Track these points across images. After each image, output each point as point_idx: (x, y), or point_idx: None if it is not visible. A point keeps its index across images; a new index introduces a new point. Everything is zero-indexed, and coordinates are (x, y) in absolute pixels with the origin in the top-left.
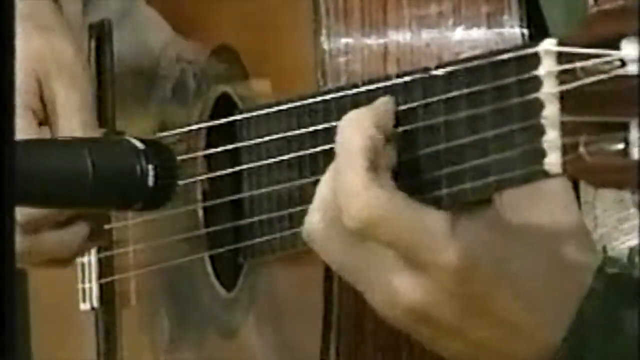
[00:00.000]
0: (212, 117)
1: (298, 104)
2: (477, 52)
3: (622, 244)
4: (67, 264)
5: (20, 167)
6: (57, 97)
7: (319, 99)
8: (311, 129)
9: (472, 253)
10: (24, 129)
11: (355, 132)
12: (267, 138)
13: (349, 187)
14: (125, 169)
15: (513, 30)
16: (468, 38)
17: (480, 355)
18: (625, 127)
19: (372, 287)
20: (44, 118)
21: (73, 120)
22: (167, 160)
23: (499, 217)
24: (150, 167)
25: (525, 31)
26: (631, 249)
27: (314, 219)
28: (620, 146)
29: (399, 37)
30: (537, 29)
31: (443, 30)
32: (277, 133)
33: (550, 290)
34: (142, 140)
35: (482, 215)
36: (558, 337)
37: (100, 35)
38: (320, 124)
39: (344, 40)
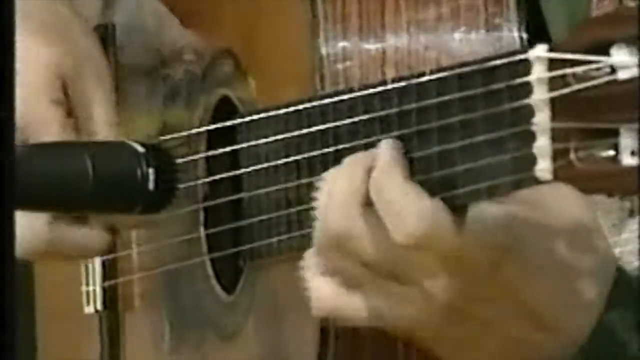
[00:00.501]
0: (213, 121)
1: (296, 108)
2: (475, 56)
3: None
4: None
5: (21, 170)
6: (84, 97)
7: (316, 103)
8: (309, 131)
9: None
10: (52, 121)
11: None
12: (265, 140)
13: (397, 203)
14: (126, 172)
15: (511, 35)
16: (466, 42)
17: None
18: (615, 134)
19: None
20: (69, 112)
21: (98, 123)
22: (168, 164)
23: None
24: (150, 170)
25: (524, 35)
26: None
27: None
28: (611, 152)
29: (397, 41)
30: (538, 33)
31: (441, 35)
32: (276, 136)
33: (574, 289)
34: (142, 144)
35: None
36: (584, 332)
37: (104, 38)
38: (318, 126)
39: (342, 45)
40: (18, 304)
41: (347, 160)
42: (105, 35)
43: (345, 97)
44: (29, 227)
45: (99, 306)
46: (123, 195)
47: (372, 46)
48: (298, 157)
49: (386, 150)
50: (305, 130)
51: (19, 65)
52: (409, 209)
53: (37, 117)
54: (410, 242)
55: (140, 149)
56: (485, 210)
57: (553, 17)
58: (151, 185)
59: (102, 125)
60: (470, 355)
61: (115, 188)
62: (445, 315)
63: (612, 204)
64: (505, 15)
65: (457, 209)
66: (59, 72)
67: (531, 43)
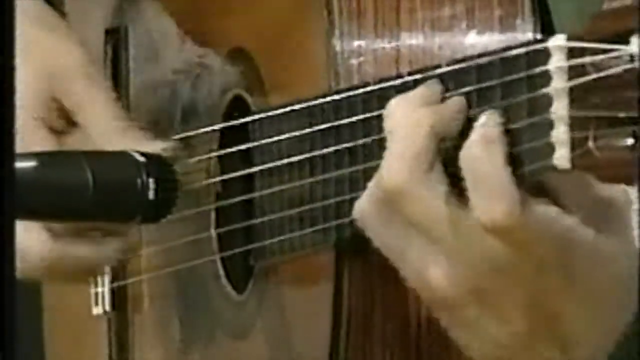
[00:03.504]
0: (226, 119)
1: (309, 104)
2: None
3: None
4: (92, 278)
5: (21, 179)
6: (81, 101)
7: (329, 99)
8: (321, 127)
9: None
10: (36, 141)
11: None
12: (277, 138)
13: (494, 182)
14: (126, 182)
15: (526, 35)
16: (480, 41)
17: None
18: (634, 122)
19: (453, 242)
20: (65, 126)
21: (104, 120)
22: (168, 174)
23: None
24: (150, 180)
25: (539, 36)
26: None
27: (362, 199)
28: (629, 141)
29: (412, 39)
30: (547, 32)
31: (456, 34)
32: (289, 134)
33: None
34: (142, 154)
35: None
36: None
37: (116, 41)
38: (331, 123)
39: (356, 42)
40: (18, 312)
41: (422, 111)
42: (117, 38)
43: (360, 91)
44: (31, 246)
45: (108, 307)
46: (123, 204)
47: (386, 44)
48: (310, 155)
49: (492, 122)
50: (318, 127)
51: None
52: (504, 193)
53: (21, 134)
54: (492, 225)
55: (141, 158)
56: (557, 215)
57: (561, 13)
58: (151, 195)
59: (102, 133)
60: (474, 342)
61: (115, 197)
62: (468, 293)
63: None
64: (520, 15)
65: None
66: (46, 88)
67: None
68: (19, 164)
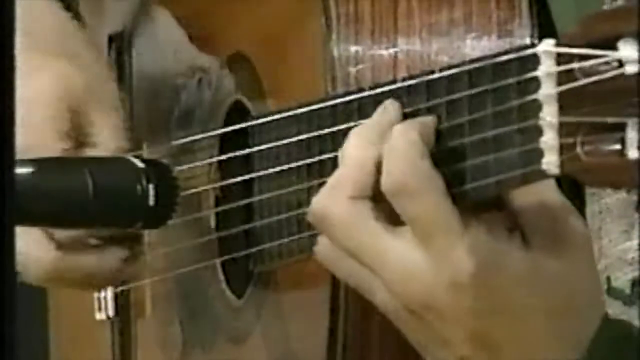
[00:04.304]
0: (226, 124)
1: (306, 109)
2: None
3: (625, 275)
4: (98, 289)
5: (21, 185)
6: (93, 124)
7: (324, 105)
8: (318, 133)
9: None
10: (58, 153)
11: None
12: (275, 144)
13: (399, 149)
14: (126, 188)
15: (524, 41)
16: (478, 47)
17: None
18: (622, 128)
19: (381, 269)
20: (76, 143)
21: (107, 145)
22: (168, 180)
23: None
24: (150, 186)
25: (536, 41)
26: (634, 281)
27: (323, 195)
28: (617, 146)
29: (409, 45)
30: (546, 29)
31: (454, 39)
32: (287, 139)
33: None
34: (142, 160)
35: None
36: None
37: (120, 46)
38: (329, 129)
39: (354, 48)
40: (24, 316)
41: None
42: (121, 43)
43: (354, 97)
44: (34, 255)
45: (111, 312)
46: (123, 210)
47: (384, 50)
48: (307, 161)
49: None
50: (316, 133)
51: (27, 88)
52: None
53: (43, 149)
54: (389, 185)
55: (140, 164)
56: (488, 238)
57: (561, 13)
58: (151, 201)
59: (107, 151)
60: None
61: (115, 203)
62: (411, 316)
63: (625, 210)
64: (517, 21)
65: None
66: (68, 100)
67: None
68: (19, 170)
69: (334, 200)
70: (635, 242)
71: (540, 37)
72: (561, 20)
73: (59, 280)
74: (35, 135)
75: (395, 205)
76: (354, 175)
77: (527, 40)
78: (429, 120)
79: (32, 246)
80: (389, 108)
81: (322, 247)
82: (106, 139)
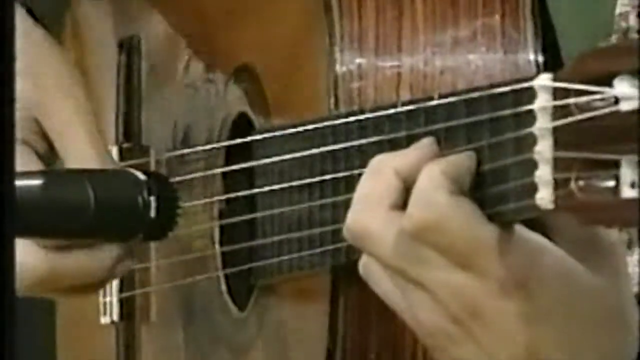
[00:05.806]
0: (231, 137)
1: (309, 127)
2: (491, 80)
3: None
4: (94, 290)
5: (22, 198)
6: (60, 125)
7: (327, 123)
8: (318, 151)
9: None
10: (22, 164)
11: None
12: (277, 159)
13: (418, 187)
14: (127, 200)
15: (528, 59)
16: (482, 66)
17: None
18: (616, 165)
19: (429, 283)
20: (47, 153)
21: (80, 149)
22: (169, 192)
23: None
24: (152, 198)
25: (540, 59)
26: None
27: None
28: (611, 183)
29: (413, 63)
30: (552, 55)
31: (458, 58)
32: (290, 154)
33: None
34: (144, 172)
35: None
36: None
37: (129, 51)
38: (329, 147)
39: (357, 65)
40: (32, 322)
41: (376, 161)
42: (130, 47)
43: (354, 118)
44: (23, 260)
45: (116, 317)
46: (124, 223)
47: (387, 67)
48: (310, 179)
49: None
50: (315, 150)
51: None
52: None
53: None
54: (411, 226)
55: (142, 176)
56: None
57: (567, 35)
58: (152, 213)
59: (76, 164)
60: None
61: (116, 216)
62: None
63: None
64: (522, 40)
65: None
66: (28, 109)
67: (547, 68)
68: (21, 182)
69: (373, 214)
70: (635, 257)
71: (545, 56)
72: (565, 37)
73: (50, 281)
74: None
75: (423, 244)
76: (387, 186)
77: (531, 57)
78: (463, 156)
79: (19, 250)
80: (425, 143)
81: (365, 264)
82: (73, 144)
